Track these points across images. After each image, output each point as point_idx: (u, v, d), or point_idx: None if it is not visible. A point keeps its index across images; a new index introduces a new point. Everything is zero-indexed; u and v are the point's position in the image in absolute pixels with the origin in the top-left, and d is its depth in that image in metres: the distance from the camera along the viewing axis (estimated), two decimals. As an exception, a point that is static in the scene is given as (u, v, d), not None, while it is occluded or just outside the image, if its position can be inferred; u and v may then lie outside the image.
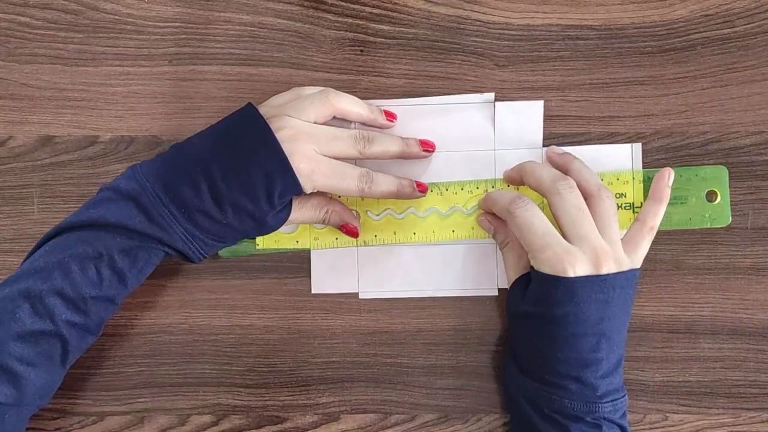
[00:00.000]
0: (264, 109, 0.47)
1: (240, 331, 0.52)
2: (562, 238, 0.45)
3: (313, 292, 0.52)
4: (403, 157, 0.50)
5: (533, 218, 0.46)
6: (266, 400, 0.52)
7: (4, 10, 0.52)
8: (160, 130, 0.52)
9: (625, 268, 0.45)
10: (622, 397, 0.46)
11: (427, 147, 0.51)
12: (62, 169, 0.52)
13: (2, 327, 0.42)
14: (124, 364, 0.52)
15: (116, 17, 0.52)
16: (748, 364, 0.52)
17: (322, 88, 0.49)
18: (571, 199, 0.46)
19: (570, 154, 0.50)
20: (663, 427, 0.52)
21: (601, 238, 0.45)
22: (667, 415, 0.52)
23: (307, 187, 0.46)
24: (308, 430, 0.52)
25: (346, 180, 0.47)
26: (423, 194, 0.50)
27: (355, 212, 0.51)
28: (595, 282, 0.44)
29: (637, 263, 0.47)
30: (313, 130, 0.47)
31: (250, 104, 0.47)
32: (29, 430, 0.51)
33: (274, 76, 0.52)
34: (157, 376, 0.52)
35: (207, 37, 0.52)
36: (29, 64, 0.52)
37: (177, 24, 0.52)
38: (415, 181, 0.50)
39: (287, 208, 0.48)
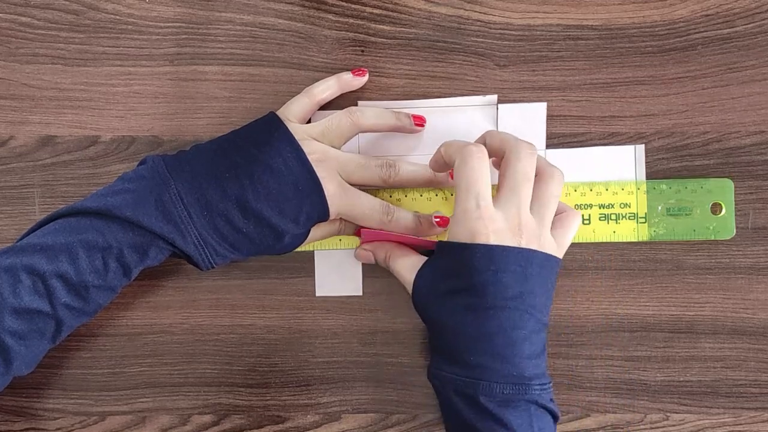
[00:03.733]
0: (290, 126, 0.47)
1: (241, 330, 0.52)
2: (492, 204, 0.44)
3: (317, 294, 0.52)
4: (431, 186, 0.50)
5: (480, 175, 0.43)
6: (267, 400, 0.52)
7: (5, 11, 0.52)
8: (161, 131, 0.52)
9: (547, 250, 0.44)
10: (549, 382, 0.44)
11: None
12: (63, 169, 0.52)
13: (0, 299, 0.42)
14: (126, 364, 0.52)
15: (117, 17, 0.52)
16: (749, 364, 0.52)
17: (332, 80, 0.50)
18: (524, 165, 0.44)
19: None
20: (664, 426, 0.52)
21: (530, 214, 0.44)
22: (668, 414, 0.52)
23: (332, 212, 0.47)
24: (309, 429, 0.52)
25: (369, 210, 0.48)
26: (443, 230, 0.50)
27: None
28: (513, 252, 0.43)
29: (562, 251, 0.46)
30: (341, 157, 0.48)
31: (275, 115, 0.48)
32: (30, 430, 0.52)
33: (275, 77, 0.52)
34: (159, 375, 0.52)
35: (208, 37, 0.52)
36: (30, 64, 0.52)
37: (178, 24, 0.52)
38: (436, 216, 0.49)
39: (306, 231, 0.48)
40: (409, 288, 0.48)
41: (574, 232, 0.47)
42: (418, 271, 0.47)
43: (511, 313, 0.43)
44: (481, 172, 0.44)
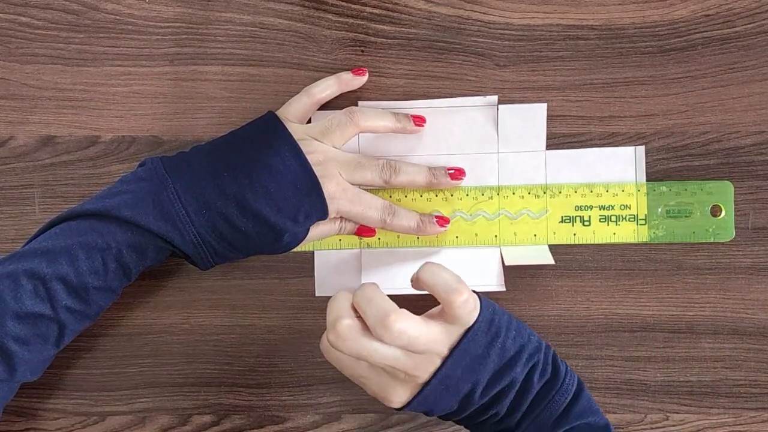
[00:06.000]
0: (289, 126, 0.47)
1: (241, 331, 0.52)
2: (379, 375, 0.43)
3: (317, 294, 0.52)
4: (431, 187, 0.50)
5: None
6: (267, 400, 0.52)
7: (5, 11, 0.52)
8: (161, 131, 0.52)
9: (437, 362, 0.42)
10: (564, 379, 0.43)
11: (457, 175, 0.50)
12: (63, 170, 0.52)
13: (2, 304, 0.42)
14: (126, 364, 0.52)
15: (117, 17, 0.52)
16: (749, 364, 0.52)
17: (332, 80, 0.50)
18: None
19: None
20: (664, 426, 0.52)
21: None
22: (668, 414, 0.52)
23: (332, 211, 0.47)
24: (309, 429, 0.52)
25: (370, 209, 0.48)
26: (444, 229, 0.50)
27: None
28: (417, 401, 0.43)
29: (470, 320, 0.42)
30: (341, 157, 0.48)
31: (274, 115, 0.48)
32: (30, 430, 0.52)
33: (274, 77, 0.52)
34: (159, 376, 0.52)
35: (208, 37, 0.52)
36: (30, 64, 0.52)
37: (178, 24, 0.52)
38: (437, 216, 0.50)
39: (305, 230, 0.48)
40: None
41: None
42: None
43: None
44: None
